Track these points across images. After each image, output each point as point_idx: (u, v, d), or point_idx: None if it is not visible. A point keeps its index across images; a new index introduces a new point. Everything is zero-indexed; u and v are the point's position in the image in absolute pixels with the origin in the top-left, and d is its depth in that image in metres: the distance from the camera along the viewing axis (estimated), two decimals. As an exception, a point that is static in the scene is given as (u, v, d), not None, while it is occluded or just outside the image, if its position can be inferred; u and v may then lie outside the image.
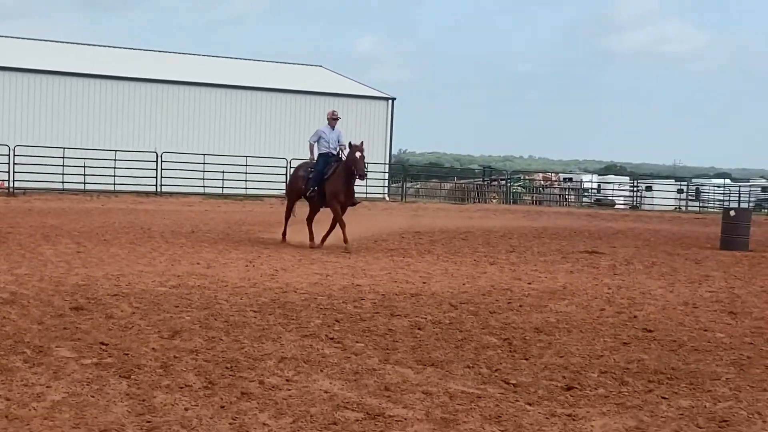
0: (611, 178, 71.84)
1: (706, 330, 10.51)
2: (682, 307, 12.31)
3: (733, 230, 23.30)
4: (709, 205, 56.43)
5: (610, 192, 62.08)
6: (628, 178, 72.67)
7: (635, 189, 60.12)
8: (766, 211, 53.11)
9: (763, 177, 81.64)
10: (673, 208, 54.93)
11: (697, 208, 54.96)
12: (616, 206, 56.69)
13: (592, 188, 64.33)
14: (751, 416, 6.80)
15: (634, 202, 57.26)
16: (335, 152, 18.82)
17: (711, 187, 63.01)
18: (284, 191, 22.44)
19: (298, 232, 19.45)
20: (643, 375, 8.02)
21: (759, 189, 63.03)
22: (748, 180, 79.03)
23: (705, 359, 8.82)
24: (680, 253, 20.98)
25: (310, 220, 19.30)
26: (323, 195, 18.67)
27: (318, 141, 19.02)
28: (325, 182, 18.57)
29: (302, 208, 19.95)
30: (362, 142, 18.27)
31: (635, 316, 11.26)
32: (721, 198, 56.78)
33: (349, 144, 18.48)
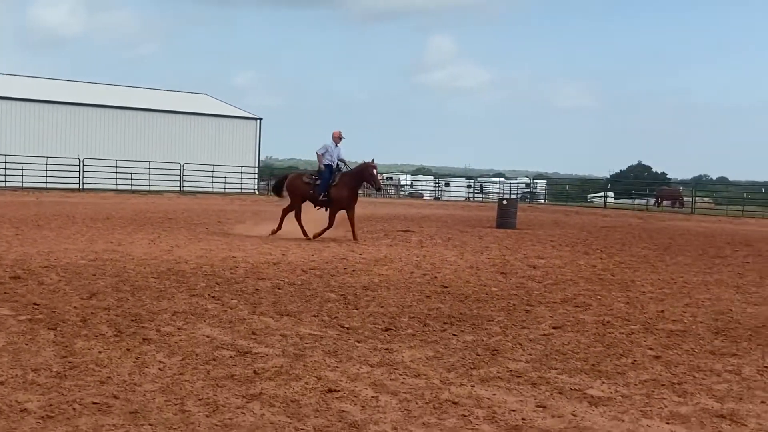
0: (421, 177, 73.03)
1: (485, 286, 10.75)
2: (468, 269, 12.57)
3: (505, 214, 23.92)
4: (489, 196, 57.90)
5: (420, 187, 63.11)
6: (432, 177, 73.96)
7: (437, 185, 61.26)
8: (528, 200, 54.79)
9: (526, 176, 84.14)
10: (464, 199, 56.15)
11: (481, 199, 56.32)
12: (424, 198, 57.62)
13: (406, 185, 65.22)
14: (514, 346, 7.02)
15: (437, 195, 58.31)
16: (336, 165, 17.20)
17: (491, 184, 64.66)
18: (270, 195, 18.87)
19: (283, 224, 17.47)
20: (440, 319, 8.16)
21: (524, 185, 64.98)
22: (516, 178, 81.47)
23: (484, 307, 9.03)
24: (468, 231, 21.41)
25: (298, 219, 17.28)
26: (329, 199, 17.05)
27: (323, 154, 17.20)
28: (332, 189, 16.99)
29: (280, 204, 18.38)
30: (373, 160, 17.14)
31: (435, 277, 11.42)
32: (498, 191, 58.31)
33: (365, 162, 17.22)
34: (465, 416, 4.97)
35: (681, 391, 5.70)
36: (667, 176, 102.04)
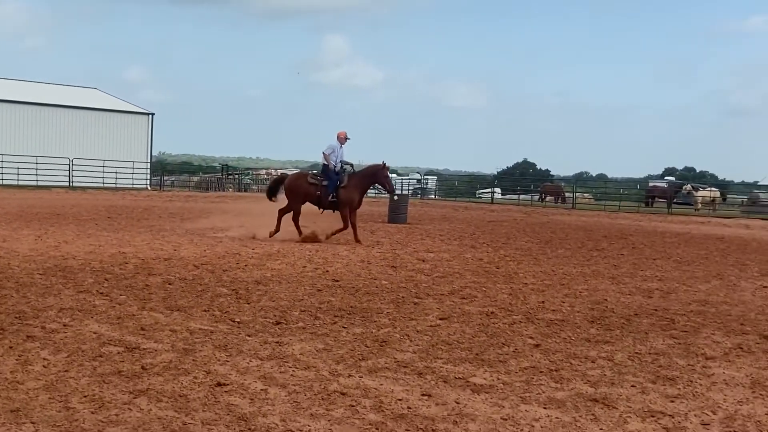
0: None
1: (375, 279, 10.81)
2: (360, 263, 12.61)
3: (396, 209, 24.16)
4: (383, 192, 58.23)
5: (315, 183, 62.76)
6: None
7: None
8: (419, 196, 55.44)
9: (418, 172, 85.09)
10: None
11: (373, 195, 56.59)
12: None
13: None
14: (402, 338, 7.10)
15: (331, 191, 58.19)
16: (341, 166, 16.38)
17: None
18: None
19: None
20: (331, 312, 8.16)
21: (415, 181, 65.66)
22: (408, 174, 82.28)
23: (373, 299, 9.08)
24: (361, 226, 21.39)
25: (296, 221, 16.55)
26: (338, 201, 16.37)
27: (330, 154, 16.31)
28: (340, 190, 16.31)
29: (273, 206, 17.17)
30: (384, 162, 16.50)
31: (327, 271, 11.40)
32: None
33: (382, 164, 16.58)
34: (352, 406, 5.00)
35: (558, 378, 5.89)
36: (551, 173, 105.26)
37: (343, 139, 16.60)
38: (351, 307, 8.49)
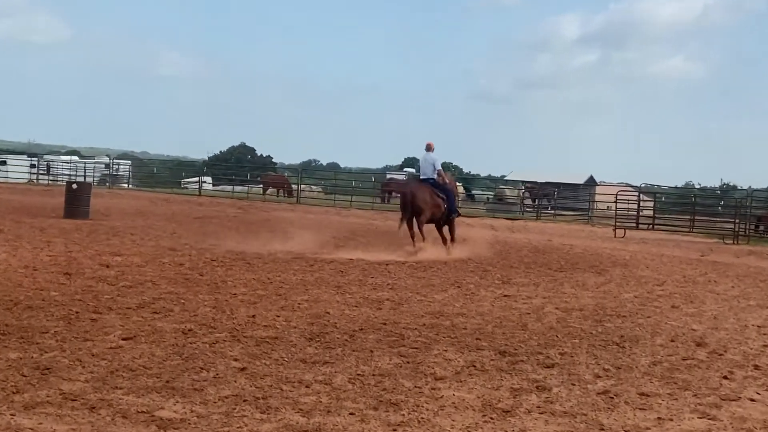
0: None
1: (42, 289, 10.38)
2: (22, 270, 12.04)
3: (76, 201, 23.32)
4: (59, 179, 55.82)
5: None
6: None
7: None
8: (107, 184, 53.84)
9: (107, 155, 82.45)
10: (26, 181, 53.51)
11: (47, 182, 54.13)
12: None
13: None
14: (72, 364, 6.87)
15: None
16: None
17: (61, 163, 62.29)
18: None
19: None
20: (-22, 332, 7.73)
21: (103, 165, 63.63)
22: (94, 157, 79.39)
23: (38, 315, 8.73)
24: (27, 222, 20.49)
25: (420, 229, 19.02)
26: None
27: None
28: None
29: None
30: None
31: (-23, 279, 10.80)
32: (69, 173, 56.42)
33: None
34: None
35: (265, 407, 6.01)
36: (273, 160, 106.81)
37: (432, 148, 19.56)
38: (6, 325, 8.10)
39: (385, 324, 9.56)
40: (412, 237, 18.97)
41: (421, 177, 19.72)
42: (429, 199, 18.97)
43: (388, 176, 58.97)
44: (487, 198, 55.07)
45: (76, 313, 9.03)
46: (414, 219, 18.88)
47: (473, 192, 57.98)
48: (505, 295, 12.68)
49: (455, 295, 12.36)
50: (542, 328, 9.93)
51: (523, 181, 51.55)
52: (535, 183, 50.71)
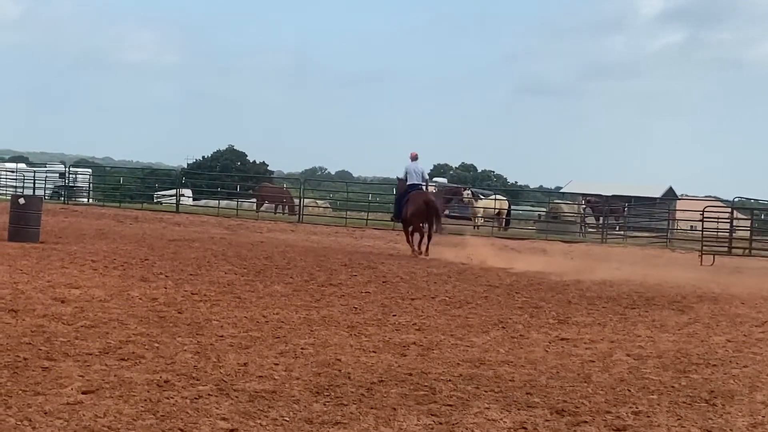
0: None
1: (-19, 331, 10.45)
2: (-43, 305, 12.12)
3: (23, 220, 23.36)
4: (1, 191, 56.16)
5: None
6: None
7: None
8: (62, 198, 54.10)
9: (62, 162, 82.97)
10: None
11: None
12: None
13: None
14: (19, 423, 6.90)
15: None
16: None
17: (4, 172, 62.69)
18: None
19: None
20: None
21: (57, 175, 63.91)
22: (45, 165, 79.87)
23: (-24, 363, 8.78)
24: (-38, 245, 20.60)
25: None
26: None
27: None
28: None
29: None
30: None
31: None
32: (15, 184, 56.77)
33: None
34: None
35: (261, 479, 6.01)
36: (269, 168, 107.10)
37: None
38: (-63, 376, 8.12)
39: (410, 374, 9.54)
40: (412, 242, 26.20)
41: (411, 182, 26.43)
42: (439, 206, 26.45)
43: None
44: (539, 215, 55.00)
45: (24, 360, 9.05)
46: (421, 226, 25.95)
47: (514, 208, 57.86)
48: (562, 339, 12.64)
49: (499, 339, 12.33)
50: (610, 381, 9.88)
51: (584, 194, 51.57)
52: (600, 196, 50.74)
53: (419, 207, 25.90)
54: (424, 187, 26.84)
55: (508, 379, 9.67)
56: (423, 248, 26.13)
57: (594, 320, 14.69)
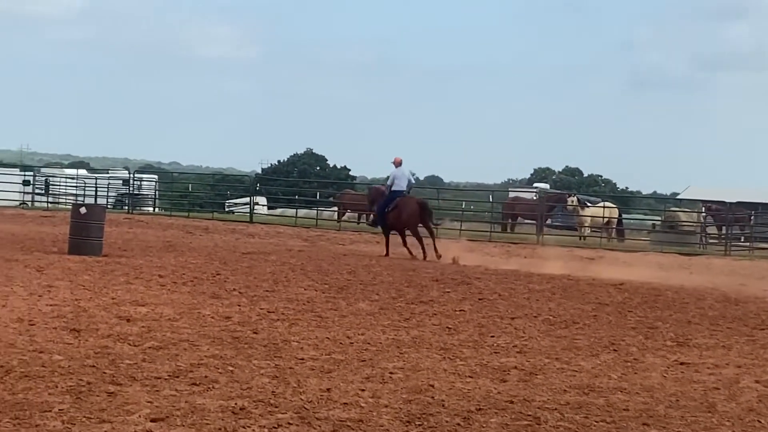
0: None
1: (42, 352, 10.57)
2: (15, 324, 12.28)
3: (84, 231, 23.59)
4: (60, 199, 56.96)
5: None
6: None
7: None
8: (126, 208, 54.66)
9: (125, 168, 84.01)
10: (18, 203, 54.65)
11: (47, 204, 55.22)
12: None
13: None
14: (84, 453, 7.00)
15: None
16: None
17: (64, 179, 63.44)
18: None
19: None
20: (-43, 411, 7.92)
21: (120, 182, 64.55)
22: (108, 171, 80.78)
23: (37, 387, 8.89)
24: (20, 259, 20.89)
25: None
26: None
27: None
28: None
29: None
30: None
31: (-45, 338, 11.07)
32: (75, 192, 57.50)
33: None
34: None
35: None
36: (351, 174, 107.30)
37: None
38: (-6, 401, 8.26)
39: (512, 402, 9.51)
40: (409, 246, 29.53)
41: (395, 189, 29.27)
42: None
43: (512, 194, 58.76)
44: (653, 224, 54.40)
45: (88, 384, 9.17)
46: (415, 228, 29.50)
47: (627, 217, 57.34)
48: (681, 363, 12.51)
49: (610, 362, 12.23)
50: (737, 410, 9.76)
51: (704, 201, 50.88)
52: (723, 203, 49.94)
53: (414, 211, 29.35)
54: (407, 193, 30.10)
55: (621, 407, 9.59)
56: (431, 251, 28.93)
57: (717, 342, 14.50)
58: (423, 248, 29.17)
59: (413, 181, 31.02)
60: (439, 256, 28.36)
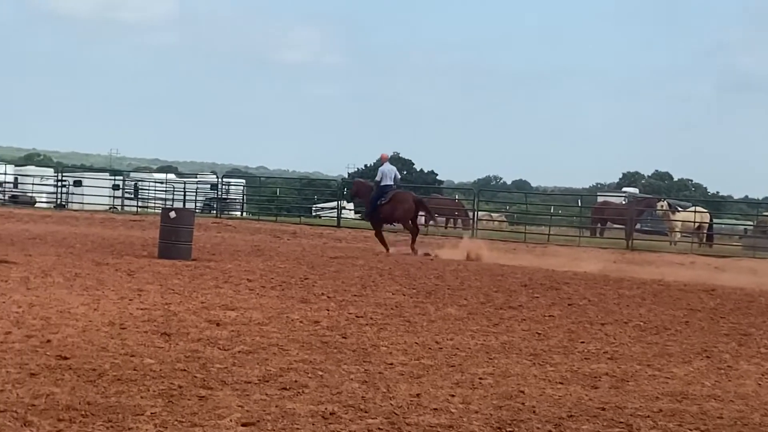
0: (31, 170, 70.89)
1: (133, 355, 10.66)
2: (107, 328, 12.40)
3: (174, 235, 23.81)
4: (150, 204, 57.59)
5: (30, 187, 61.37)
6: (52, 170, 72.21)
7: (61, 184, 59.88)
8: (215, 212, 55.12)
9: (213, 172, 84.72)
10: (107, 208, 55.34)
11: (136, 208, 55.84)
12: (37, 205, 56.24)
13: (6, 182, 62.96)
14: (176, 457, 7.06)
15: (60, 200, 57.10)
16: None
17: (153, 184, 64.10)
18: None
19: None
20: (53, 413, 7.99)
21: (208, 186, 65.13)
22: (196, 175, 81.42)
23: (129, 391, 8.96)
24: (110, 263, 21.13)
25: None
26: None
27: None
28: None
29: None
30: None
31: (49, 341, 11.18)
32: (164, 196, 58.09)
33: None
34: None
35: None
36: (438, 178, 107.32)
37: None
38: (88, 404, 8.37)
39: (603, 409, 9.44)
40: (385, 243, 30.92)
41: (384, 183, 30.68)
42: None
43: (601, 199, 58.37)
44: (744, 229, 53.76)
45: (179, 387, 9.24)
46: (407, 222, 31.29)
47: (717, 222, 56.67)
48: (776, 370, 12.35)
49: (704, 369, 12.10)
50: (834, 419, 9.59)
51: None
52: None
53: (409, 207, 31.07)
54: (395, 188, 31.52)
55: (715, 415, 9.48)
56: (412, 246, 30.53)
57: (813, 349, 14.27)
58: (413, 242, 30.70)
59: (398, 177, 32.34)
60: (415, 252, 29.93)
